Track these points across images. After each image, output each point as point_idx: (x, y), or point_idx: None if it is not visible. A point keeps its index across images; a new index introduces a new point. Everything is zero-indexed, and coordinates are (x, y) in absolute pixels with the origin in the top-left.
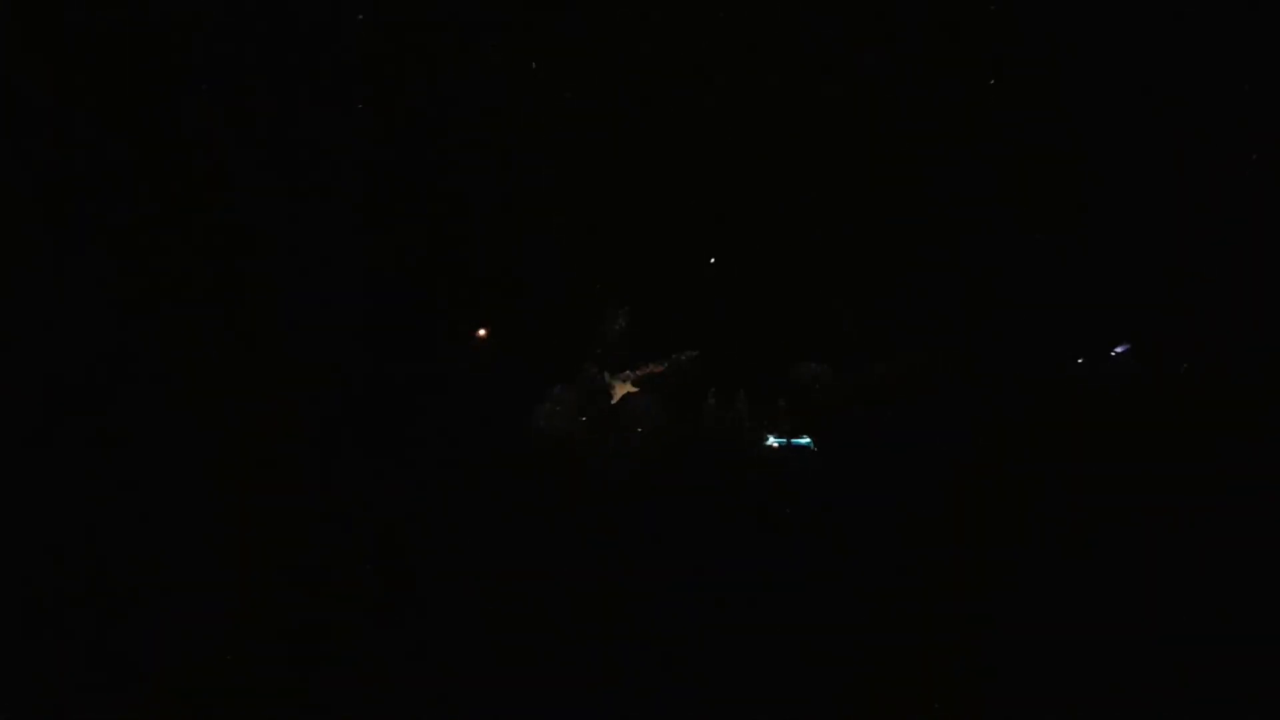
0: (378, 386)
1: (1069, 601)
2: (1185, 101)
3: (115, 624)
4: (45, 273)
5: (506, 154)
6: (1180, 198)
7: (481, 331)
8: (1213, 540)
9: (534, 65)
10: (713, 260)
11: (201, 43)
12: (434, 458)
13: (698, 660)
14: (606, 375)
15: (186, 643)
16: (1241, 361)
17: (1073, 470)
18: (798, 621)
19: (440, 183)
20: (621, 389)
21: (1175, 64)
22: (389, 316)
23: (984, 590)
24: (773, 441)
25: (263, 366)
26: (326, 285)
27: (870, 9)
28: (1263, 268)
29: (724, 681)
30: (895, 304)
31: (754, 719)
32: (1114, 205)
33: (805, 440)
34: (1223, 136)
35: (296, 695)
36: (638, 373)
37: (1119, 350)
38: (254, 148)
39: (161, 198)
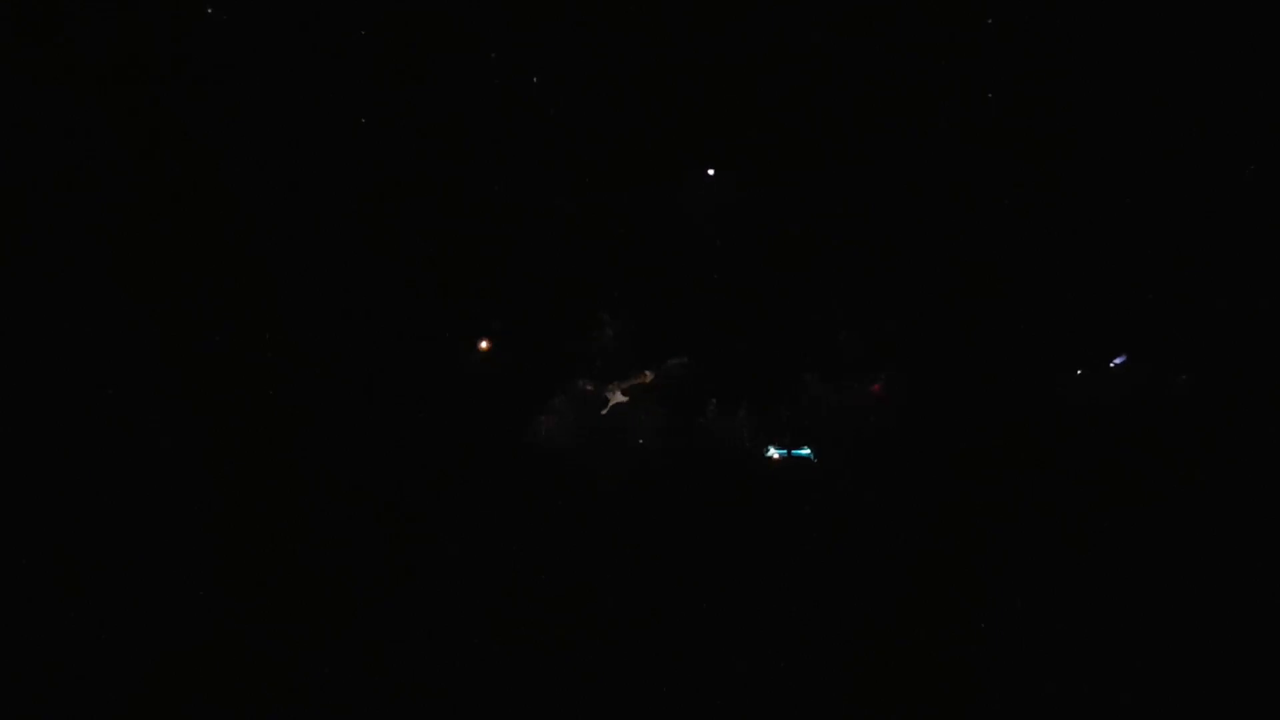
0: (377, 386)
1: (1069, 601)
2: (1186, 102)
3: (113, 622)
4: (45, 272)
5: (506, 155)
6: (1183, 199)
7: (484, 344)
8: (1213, 541)
9: (534, 66)
10: (711, 171)
11: (202, 41)
12: (433, 458)
13: (698, 660)
14: (593, 385)
15: (184, 641)
16: (1243, 364)
17: (1072, 471)
18: (798, 621)
19: (442, 183)
20: (611, 399)
21: (1176, 64)
22: (390, 317)
23: (984, 590)
24: (774, 453)
25: (263, 366)
26: (327, 285)
27: (870, 9)
28: (1266, 271)
29: (724, 681)
30: (894, 304)
31: (754, 719)
32: (1116, 207)
33: (806, 451)
34: (1225, 137)
35: (296, 695)
36: (627, 383)
37: (1117, 361)
38: (255, 146)
39: (161, 196)
